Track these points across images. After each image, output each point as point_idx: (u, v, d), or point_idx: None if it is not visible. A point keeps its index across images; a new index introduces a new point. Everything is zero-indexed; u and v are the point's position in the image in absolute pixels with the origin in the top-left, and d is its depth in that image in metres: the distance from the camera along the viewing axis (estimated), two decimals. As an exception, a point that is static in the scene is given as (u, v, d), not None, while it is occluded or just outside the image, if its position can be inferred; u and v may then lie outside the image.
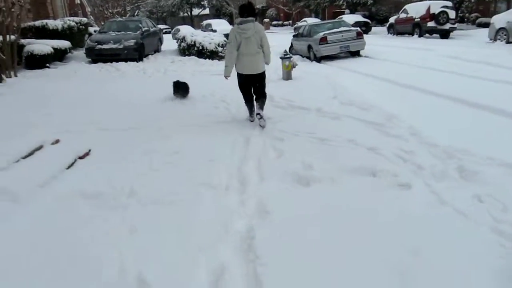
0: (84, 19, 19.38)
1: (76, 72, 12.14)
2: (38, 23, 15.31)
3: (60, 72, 12.13)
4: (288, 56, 10.14)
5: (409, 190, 3.71)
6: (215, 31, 28.05)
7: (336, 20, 20.80)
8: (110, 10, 24.15)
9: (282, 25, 57.67)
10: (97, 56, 14.56)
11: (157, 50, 17.82)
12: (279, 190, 3.74)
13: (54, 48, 13.71)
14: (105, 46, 14.43)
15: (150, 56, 16.18)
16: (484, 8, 33.36)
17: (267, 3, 64.26)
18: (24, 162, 4.23)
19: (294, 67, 10.15)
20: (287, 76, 10.18)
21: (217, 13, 63.28)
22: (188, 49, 15.93)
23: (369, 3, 39.33)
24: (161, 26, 56.17)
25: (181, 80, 8.60)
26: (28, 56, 12.82)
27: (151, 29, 17.10)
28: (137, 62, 14.60)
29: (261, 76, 6.24)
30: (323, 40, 14.71)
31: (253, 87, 6.30)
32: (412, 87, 8.50)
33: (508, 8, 32.07)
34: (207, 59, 15.15)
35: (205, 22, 37.25)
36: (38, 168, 4.08)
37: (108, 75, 11.91)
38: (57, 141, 4.93)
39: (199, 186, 3.83)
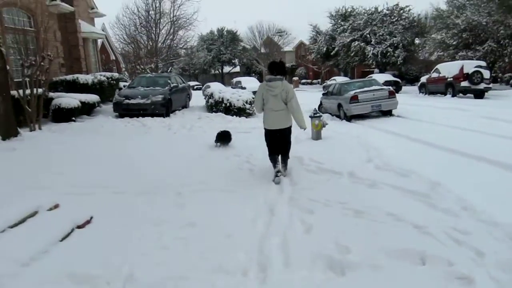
0: (116, 74, 19.66)
1: (102, 126, 11.93)
2: (69, 77, 15.48)
3: (85, 126, 11.95)
4: (318, 115, 9.65)
5: (471, 285, 2.97)
6: (244, 88, 28.21)
7: (367, 78, 20.45)
8: (142, 66, 24.61)
9: (311, 83, 58.21)
10: (125, 110, 14.46)
11: (185, 106, 17.72)
12: (308, 281, 3.05)
13: (82, 102, 13.68)
14: (132, 101, 14.35)
15: (177, 111, 16.02)
16: (518, 68, 32.74)
17: (296, 62, 65.39)
18: (11, 232, 3.68)
19: (324, 126, 9.62)
20: (317, 136, 9.63)
21: (247, 71, 64.50)
22: (216, 106, 15.72)
23: (398, 62, 39.19)
24: (192, 83, 57.58)
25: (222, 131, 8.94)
26: (55, 109, 12.77)
27: (180, 85, 17.07)
28: (164, 117, 14.41)
29: (287, 131, 6.37)
30: (354, 98, 14.25)
31: (279, 143, 6.36)
32: (453, 150, 7.77)
33: (542, 69, 31.38)
34: (235, 116, 14.85)
35: (235, 80, 37.75)
36: (26, 239, 3.53)
37: (133, 130, 11.64)
38: (56, 206, 4.40)
39: (211, 271, 3.19)
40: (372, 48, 39.75)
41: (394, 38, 39.11)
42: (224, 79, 62.97)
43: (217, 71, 68.82)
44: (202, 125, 12.49)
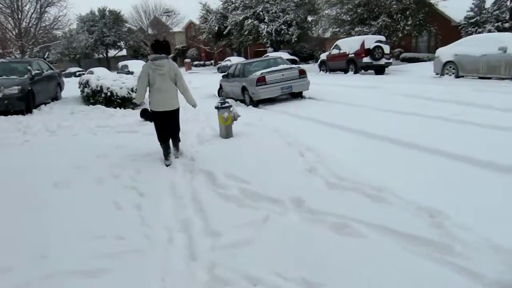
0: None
1: None
2: None
3: None
4: (226, 105, 7.31)
5: None
6: (132, 72, 25.02)
7: (272, 56, 18.50)
8: (5, 50, 19.98)
9: (204, 65, 55.55)
10: (-34, 109, 10.87)
11: (55, 98, 14.24)
12: None
13: None
14: (-24, 96, 10.78)
15: (44, 106, 12.60)
16: (406, 43, 33.40)
17: (187, 43, 62.06)
18: None
19: (235, 119, 7.33)
20: (227, 132, 7.31)
21: (134, 54, 60.21)
22: (93, 96, 12.63)
23: (293, 40, 38.10)
24: (73, 69, 51.92)
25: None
26: None
27: (46, 72, 13.53)
28: (24, 114, 11.08)
29: (177, 113, 6.16)
30: (261, 80, 12.17)
31: (168, 125, 6.05)
32: (407, 143, 5.96)
33: (428, 44, 32.28)
34: (118, 108, 11.98)
35: (120, 64, 34.35)
36: None
37: None
38: None
39: None
40: (265, 26, 38.08)
41: (287, 16, 37.81)
42: (110, 63, 58.45)
43: (101, 55, 63.64)
44: (73, 124, 9.51)
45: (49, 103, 13.45)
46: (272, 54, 29.74)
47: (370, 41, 20.88)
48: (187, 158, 6.12)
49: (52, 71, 14.51)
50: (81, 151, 6.53)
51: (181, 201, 4.29)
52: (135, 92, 12.70)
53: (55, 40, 42.49)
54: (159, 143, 6.08)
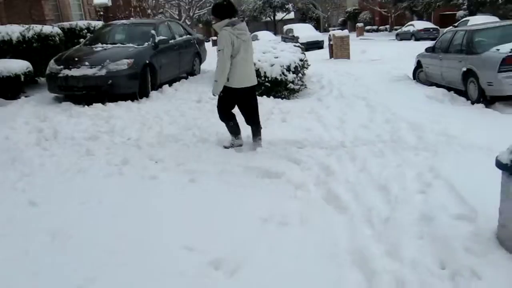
0: (98, 23, 12.90)
1: None
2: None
3: None
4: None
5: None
6: (296, 38, 21.04)
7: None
8: (149, 11, 17.60)
9: (377, 30, 48.73)
10: (62, 89, 7.86)
11: (191, 73, 10.71)
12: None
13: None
14: (74, 72, 7.61)
15: (167, 86, 8.97)
16: None
17: (360, 5, 55.67)
18: None
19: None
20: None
21: (302, 18, 57.24)
22: (233, 76, 8.70)
23: (499, 1, 29.55)
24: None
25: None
26: None
27: (177, 39, 9.96)
28: (137, 99, 7.71)
29: (255, 89, 5.16)
30: (508, 62, 6.78)
31: (250, 105, 5.00)
32: None
33: None
34: (265, 96, 7.83)
35: (286, 27, 30.71)
36: None
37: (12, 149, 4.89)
38: None
39: None
40: (463, -18, 30.31)
41: (495, -35, 29.40)
42: (277, 27, 56.51)
43: (268, 19, 62.13)
44: (181, 129, 5.58)
45: (186, 78, 10.10)
46: (472, 19, 22.82)
47: None
48: None
49: (188, 36, 10.91)
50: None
51: None
52: (293, 73, 8.64)
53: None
54: (223, 122, 5.02)
